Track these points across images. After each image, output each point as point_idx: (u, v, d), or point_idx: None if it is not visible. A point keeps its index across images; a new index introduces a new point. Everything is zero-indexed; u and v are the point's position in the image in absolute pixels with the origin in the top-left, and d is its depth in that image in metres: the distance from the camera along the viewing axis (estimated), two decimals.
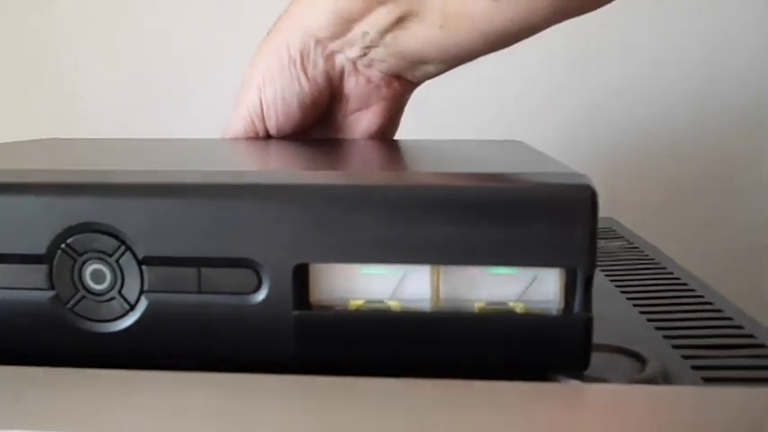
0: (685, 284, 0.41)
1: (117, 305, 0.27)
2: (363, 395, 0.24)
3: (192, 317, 0.27)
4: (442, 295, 0.27)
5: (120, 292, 0.27)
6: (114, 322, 0.27)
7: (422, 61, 0.43)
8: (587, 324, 0.26)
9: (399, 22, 0.41)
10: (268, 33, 0.45)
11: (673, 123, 0.78)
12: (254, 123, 0.45)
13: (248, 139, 0.46)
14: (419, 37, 0.41)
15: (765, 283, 0.72)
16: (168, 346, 0.27)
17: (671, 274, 0.44)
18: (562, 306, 0.26)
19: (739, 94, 0.77)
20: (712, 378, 0.28)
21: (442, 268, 0.26)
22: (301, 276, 0.26)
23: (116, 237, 0.27)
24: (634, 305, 0.38)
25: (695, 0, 0.76)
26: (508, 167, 0.31)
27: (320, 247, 0.26)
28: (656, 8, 0.76)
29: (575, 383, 0.26)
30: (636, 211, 0.76)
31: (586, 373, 0.27)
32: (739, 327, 0.34)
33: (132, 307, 0.27)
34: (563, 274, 0.26)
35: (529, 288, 0.26)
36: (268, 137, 0.45)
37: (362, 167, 0.34)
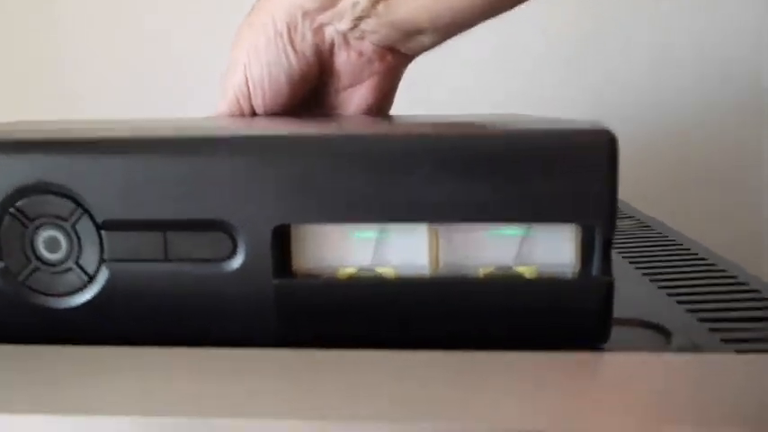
0: (705, 259, 0.38)
1: (74, 277, 0.24)
2: (355, 369, 0.21)
3: (159, 288, 0.24)
4: (441, 260, 0.24)
5: (77, 262, 0.24)
6: (72, 296, 0.24)
7: (416, 30, 0.40)
8: (608, 289, 0.23)
9: None
10: (251, 9, 0.42)
11: (672, 118, 0.76)
12: (239, 103, 0.42)
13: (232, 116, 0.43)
14: (412, 4, 0.38)
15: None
16: (133, 321, 0.24)
17: (688, 249, 0.41)
18: (578, 269, 0.23)
19: (740, 88, 0.75)
20: (746, 351, 0.25)
21: (441, 228, 0.23)
22: (282, 240, 0.23)
23: (72, 199, 0.23)
24: (651, 280, 0.35)
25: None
26: (513, 121, 0.28)
27: (302, 206, 0.23)
28: (656, 5, 0.74)
29: (593, 354, 0.23)
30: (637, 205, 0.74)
31: (605, 347, 0.24)
32: (767, 299, 0.31)
33: (91, 278, 0.24)
34: (579, 233, 0.23)
35: (540, 249, 0.23)
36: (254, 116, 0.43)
37: (349, 122, 0.31)
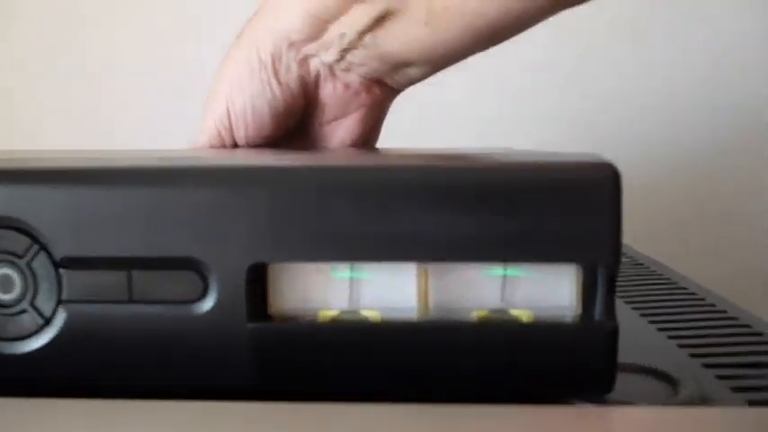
0: (703, 299, 0.37)
1: (29, 319, 0.22)
2: (336, 424, 0.18)
3: (122, 332, 0.22)
4: (431, 302, 0.22)
5: (32, 304, 0.22)
6: (25, 341, 0.22)
7: (405, 64, 0.39)
8: (612, 334, 0.21)
9: (380, 21, 0.37)
10: (236, 39, 0.41)
11: (674, 131, 0.75)
12: (221, 135, 0.41)
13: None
14: (402, 37, 0.37)
15: None
16: (93, 368, 0.22)
17: (685, 289, 0.39)
18: (579, 312, 0.21)
19: (743, 99, 0.74)
20: (759, 401, 0.23)
21: (431, 267, 0.22)
22: (258, 280, 0.21)
23: (27, 233, 0.21)
24: (650, 322, 0.33)
25: (696, 7, 0.73)
26: (510, 154, 0.27)
27: (280, 243, 0.21)
28: (656, 15, 0.73)
29: (598, 408, 0.21)
30: (638, 226, 0.73)
31: (609, 397, 0.22)
32: None
33: (48, 321, 0.22)
34: (580, 273, 0.21)
35: (538, 291, 0.21)
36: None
37: (333, 154, 0.29)
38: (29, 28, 0.77)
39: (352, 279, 0.22)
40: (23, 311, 0.22)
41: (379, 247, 0.21)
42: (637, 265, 0.46)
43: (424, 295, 0.22)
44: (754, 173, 0.75)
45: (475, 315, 0.22)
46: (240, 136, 0.40)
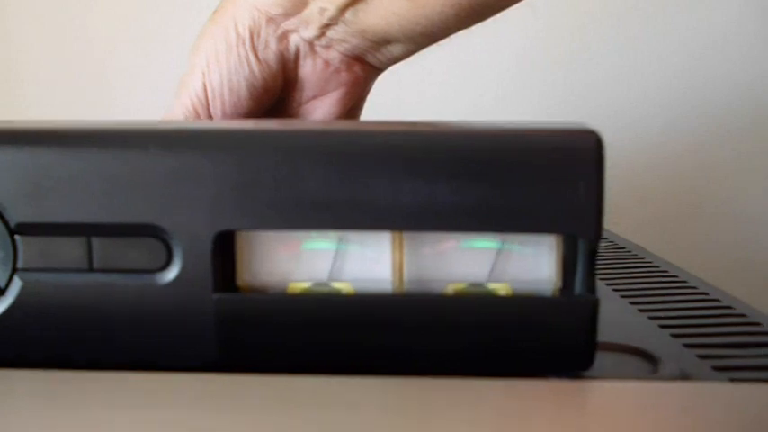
0: (685, 282, 0.36)
1: None
2: (302, 398, 0.18)
3: (81, 302, 0.20)
4: (406, 274, 0.21)
5: None
6: None
7: (386, 40, 0.38)
8: (592, 309, 0.20)
9: None
10: (213, 14, 0.40)
11: (665, 125, 0.75)
12: (196, 112, 0.39)
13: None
14: (382, 11, 0.36)
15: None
16: (50, 340, 0.21)
17: (666, 272, 0.39)
18: (559, 286, 0.21)
19: (734, 94, 0.74)
20: (740, 379, 0.23)
21: (407, 238, 0.21)
22: (224, 248, 0.20)
23: None
24: (631, 303, 0.32)
25: (689, 2, 0.73)
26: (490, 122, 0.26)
27: (249, 209, 0.20)
28: (648, 11, 0.73)
29: (576, 382, 0.20)
30: (629, 218, 0.73)
31: (587, 374, 0.21)
32: (756, 323, 0.29)
33: (2, 291, 0.21)
34: (560, 245, 0.20)
35: (516, 263, 0.21)
36: None
37: (307, 122, 0.28)
38: (29, 21, 0.75)
39: (323, 250, 0.21)
40: None
41: (352, 214, 0.20)
42: (618, 249, 0.46)
43: (398, 268, 0.21)
44: (753, 164, 0.75)
45: (451, 288, 0.21)
46: (216, 113, 0.39)
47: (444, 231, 0.20)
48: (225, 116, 0.39)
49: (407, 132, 0.20)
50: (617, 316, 0.30)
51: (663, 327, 0.29)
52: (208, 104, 0.39)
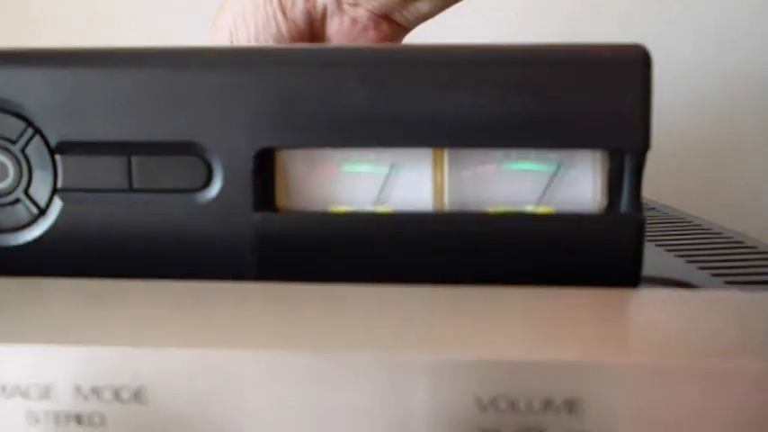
0: (720, 233, 0.36)
1: (23, 209, 0.21)
2: (344, 302, 0.17)
3: (122, 222, 0.20)
4: (446, 197, 0.21)
5: (26, 192, 0.21)
6: (19, 232, 0.21)
7: None
8: (639, 227, 0.20)
9: None
10: None
11: (672, 119, 0.74)
12: None
13: None
14: None
15: None
16: (91, 261, 0.21)
17: (699, 225, 0.38)
18: (605, 205, 0.20)
19: (740, 87, 0.73)
20: None
21: (449, 159, 0.20)
22: (265, 167, 0.20)
23: (21, 117, 0.20)
24: (667, 250, 0.32)
25: None
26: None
27: (289, 126, 0.20)
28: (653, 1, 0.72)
29: (623, 290, 0.20)
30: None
31: None
32: None
33: (43, 211, 0.21)
34: (605, 161, 0.20)
35: (560, 182, 0.20)
36: None
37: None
38: (43, 26, 0.75)
39: (363, 173, 0.21)
40: (17, 201, 0.21)
41: (392, 131, 0.20)
42: (649, 209, 0.45)
43: (439, 190, 0.21)
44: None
45: (491, 211, 0.21)
46: None
47: (487, 147, 0.20)
48: None
49: (446, 48, 0.20)
50: (654, 259, 0.30)
51: (702, 268, 0.28)
52: None
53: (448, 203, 0.21)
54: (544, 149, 0.20)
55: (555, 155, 0.20)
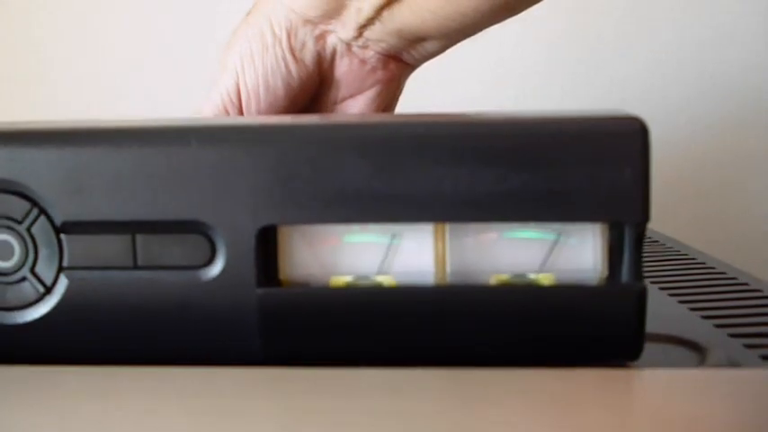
0: (724, 273, 0.36)
1: (29, 287, 0.21)
2: (349, 390, 0.18)
3: (127, 299, 0.21)
4: (448, 266, 0.21)
5: (32, 271, 0.21)
6: (26, 310, 0.21)
7: (422, 38, 0.38)
8: (640, 297, 0.20)
9: None
10: (246, 16, 0.40)
11: (674, 122, 0.74)
12: (226, 111, 0.39)
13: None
14: (418, 9, 0.36)
15: None
16: (97, 338, 0.21)
17: (704, 263, 0.38)
18: (605, 275, 0.20)
19: (741, 90, 0.73)
20: None
21: (449, 229, 0.21)
22: (267, 243, 0.20)
23: (27, 197, 0.21)
24: (670, 295, 0.32)
25: None
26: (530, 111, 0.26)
27: (290, 204, 0.20)
28: (655, 5, 0.72)
29: (626, 370, 0.20)
30: (664, 214, 0.72)
31: (636, 365, 0.21)
32: None
33: (49, 289, 0.21)
34: (606, 232, 0.20)
35: (562, 253, 0.21)
36: None
37: (344, 115, 0.28)
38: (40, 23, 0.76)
39: (365, 243, 0.21)
40: (23, 279, 0.21)
41: (394, 207, 0.20)
42: (653, 242, 0.45)
43: (441, 259, 0.21)
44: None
45: (494, 280, 0.21)
46: (251, 112, 0.39)
47: (488, 222, 0.20)
48: (259, 114, 0.39)
49: (448, 121, 0.20)
50: (657, 307, 0.30)
51: (705, 318, 0.28)
52: (240, 104, 0.39)
53: (450, 272, 0.21)
54: (544, 223, 0.20)
55: (555, 224, 0.20)
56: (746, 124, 0.74)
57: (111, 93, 0.76)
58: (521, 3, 0.35)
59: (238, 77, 0.38)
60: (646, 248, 0.43)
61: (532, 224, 0.20)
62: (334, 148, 0.20)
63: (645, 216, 0.19)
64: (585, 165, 0.19)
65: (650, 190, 0.19)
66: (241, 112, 0.39)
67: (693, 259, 0.39)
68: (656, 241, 0.45)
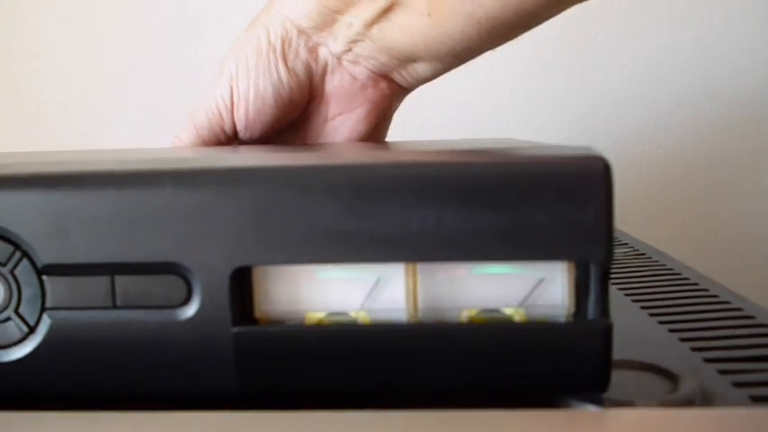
0: (706, 290, 0.36)
1: (13, 327, 0.22)
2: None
3: (106, 338, 0.21)
4: (420, 302, 0.21)
5: (16, 311, 0.21)
6: (10, 349, 0.22)
7: (412, 58, 0.38)
8: (606, 333, 0.20)
9: (386, 12, 0.36)
10: (248, 25, 0.40)
11: (670, 126, 0.74)
12: (220, 115, 0.40)
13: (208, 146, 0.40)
14: (406, 28, 0.36)
15: None
16: (79, 376, 0.21)
17: (687, 279, 0.38)
18: (572, 311, 0.21)
19: (739, 93, 0.73)
20: (761, 397, 0.23)
21: (420, 267, 0.21)
22: (242, 283, 0.21)
23: (9, 241, 0.21)
24: (651, 315, 0.32)
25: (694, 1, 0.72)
26: (501, 147, 0.26)
27: (264, 245, 0.20)
28: (652, 8, 0.73)
29: (593, 409, 0.20)
30: (634, 217, 0.72)
31: (606, 395, 0.21)
32: None
33: (32, 329, 0.21)
34: (572, 270, 0.21)
35: (529, 289, 0.21)
36: (234, 135, 0.40)
37: (319, 151, 0.29)
38: (33, 21, 0.77)
39: (338, 280, 0.21)
40: (7, 319, 0.22)
41: (365, 247, 0.20)
42: (639, 255, 0.46)
43: (412, 296, 0.21)
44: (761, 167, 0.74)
45: (465, 315, 0.21)
46: (240, 116, 0.39)
47: (456, 261, 0.21)
48: (248, 121, 0.39)
49: (415, 165, 0.21)
50: (636, 330, 0.30)
51: (683, 340, 0.29)
52: (232, 108, 0.39)
53: (422, 308, 0.21)
54: (510, 262, 0.21)
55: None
56: (739, 126, 0.74)
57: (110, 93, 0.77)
58: (509, 30, 0.36)
59: (231, 82, 0.39)
60: (632, 262, 0.43)
61: (500, 262, 0.21)
62: (304, 190, 0.20)
63: (609, 254, 0.20)
64: (549, 205, 0.20)
65: (613, 228, 0.20)
66: (233, 116, 0.39)
67: (678, 274, 0.40)
68: (643, 254, 0.46)
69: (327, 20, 0.37)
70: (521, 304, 0.21)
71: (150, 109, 0.76)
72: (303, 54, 0.39)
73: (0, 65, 0.77)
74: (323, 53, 0.39)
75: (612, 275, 0.39)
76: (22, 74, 0.78)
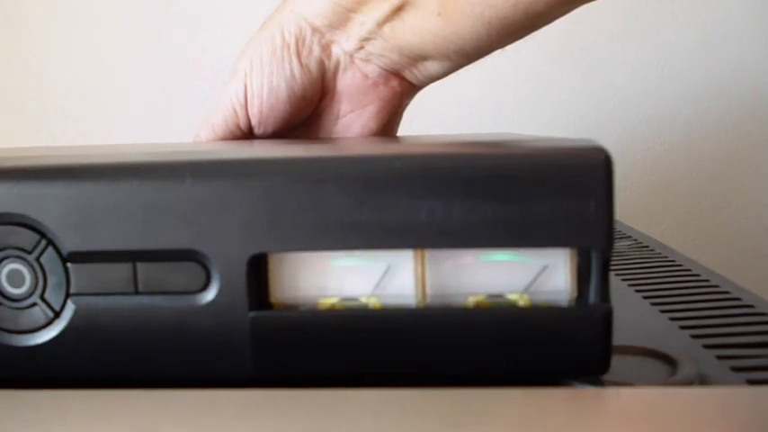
0: (707, 281, 0.37)
1: (39, 312, 0.23)
2: (336, 410, 0.19)
3: (128, 323, 0.22)
4: (428, 288, 0.22)
5: (42, 297, 0.22)
6: (36, 333, 0.23)
7: (422, 57, 0.39)
8: (606, 317, 0.21)
9: (397, 11, 0.37)
10: (262, 24, 0.41)
11: (674, 123, 0.75)
12: (235, 112, 0.41)
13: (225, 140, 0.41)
14: (417, 28, 0.37)
15: None
16: (102, 359, 0.22)
17: (689, 270, 0.39)
18: (575, 296, 0.22)
19: (742, 90, 0.74)
20: (758, 380, 0.23)
21: (429, 255, 0.22)
22: (258, 270, 0.22)
23: (35, 230, 0.22)
24: (652, 304, 0.33)
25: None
26: (506, 140, 0.27)
27: (279, 233, 0.21)
28: (656, 6, 0.73)
29: (594, 389, 0.21)
30: (639, 213, 0.73)
31: (606, 378, 0.22)
32: None
33: (57, 314, 0.22)
34: (574, 257, 0.22)
35: (533, 276, 0.22)
36: (249, 132, 0.41)
37: (332, 144, 0.30)
38: (35, 23, 0.78)
39: (350, 267, 0.22)
40: (34, 305, 0.23)
41: (375, 235, 0.21)
42: (642, 247, 0.46)
43: (421, 282, 0.22)
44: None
45: (472, 300, 0.22)
46: (254, 112, 0.40)
47: (463, 248, 0.21)
48: (261, 117, 0.40)
49: (424, 156, 0.21)
50: (638, 318, 0.31)
51: (683, 328, 0.29)
52: (246, 104, 0.40)
53: (430, 294, 0.22)
54: (516, 249, 0.21)
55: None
56: (743, 123, 0.75)
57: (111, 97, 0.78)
58: (519, 29, 0.37)
59: (245, 78, 0.40)
60: (636, 255, 0.44)
61: (505, 249, 0.22)
62: (317, 181, 0.21)
63: (609, 243, 0.21)
64: (552, 195, 0.21)
65: (614, 217, 0.21)
66: (247, 113, 0.40)
67: (680, 266, 0.40)
68: (647, 246, 0.47)
69: (341, 18, 0.38)
70: (525, 290, 0.22)
71: (150, 109, 0.77)
72: (316, 51, 0.39)
73: (0, 65, 0.78)
74: (336, 51, 0.40)
75: (616, 267, 0.41)
76: (22, 74, 0.79)
